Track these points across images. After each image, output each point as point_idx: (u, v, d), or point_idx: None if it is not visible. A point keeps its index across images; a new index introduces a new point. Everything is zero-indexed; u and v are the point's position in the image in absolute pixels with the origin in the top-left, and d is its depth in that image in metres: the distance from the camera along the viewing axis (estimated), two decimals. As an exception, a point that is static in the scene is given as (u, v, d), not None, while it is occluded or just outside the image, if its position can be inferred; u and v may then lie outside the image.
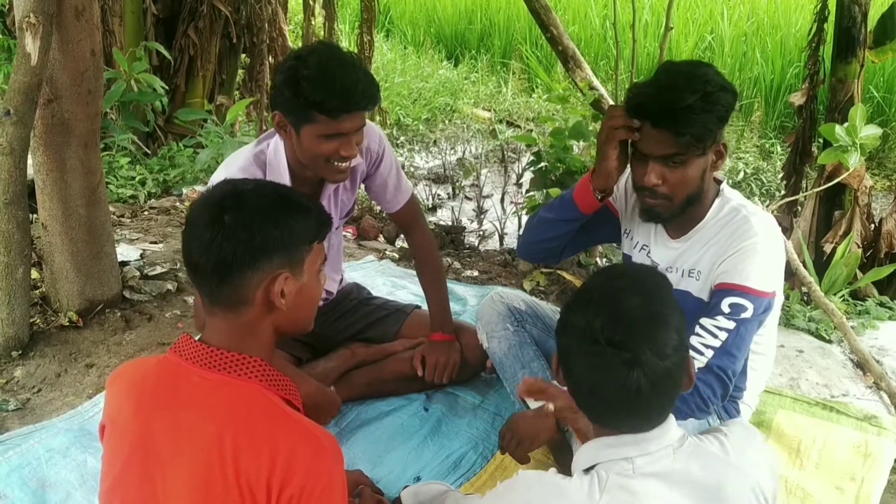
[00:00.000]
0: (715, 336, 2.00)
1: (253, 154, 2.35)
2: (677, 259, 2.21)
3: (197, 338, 1.46)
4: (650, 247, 2.30)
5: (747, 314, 2.00)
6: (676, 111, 1.95)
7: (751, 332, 2.04)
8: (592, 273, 1.58)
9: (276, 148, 2.33)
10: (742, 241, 2.05)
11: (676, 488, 1.41)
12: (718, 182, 2.18)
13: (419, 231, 2.77)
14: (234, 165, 2.34)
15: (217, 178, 2.31)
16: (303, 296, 1.48)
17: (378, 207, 5.19)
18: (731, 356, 2.00)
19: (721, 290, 2.05)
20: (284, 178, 2.32)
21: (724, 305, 2.01)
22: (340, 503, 1.36)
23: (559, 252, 2.47)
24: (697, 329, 2.03)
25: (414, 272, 3.78)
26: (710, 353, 2.00)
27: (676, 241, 2.22)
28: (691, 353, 1.97)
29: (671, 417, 1.45)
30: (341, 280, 2.87)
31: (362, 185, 2.66)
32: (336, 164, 2.21)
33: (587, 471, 1.44)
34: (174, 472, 1.35)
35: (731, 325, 2.00)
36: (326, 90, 2.07)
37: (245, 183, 1.50)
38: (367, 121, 2.29)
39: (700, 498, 1.41)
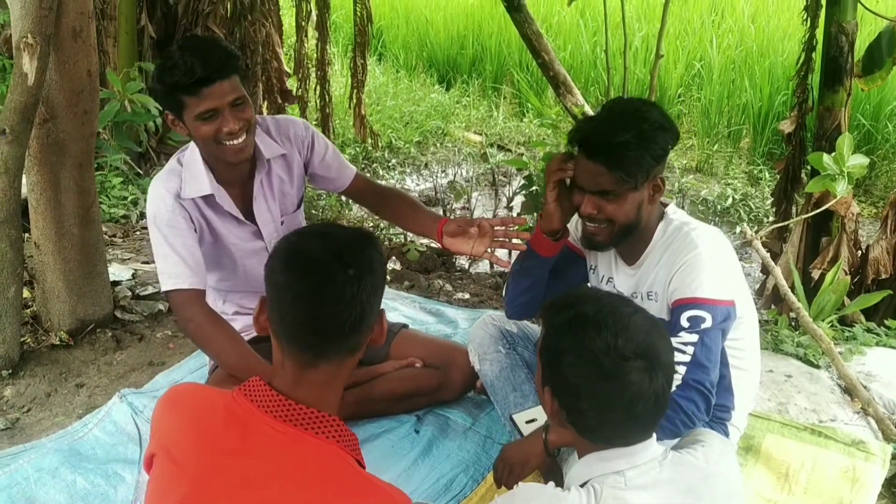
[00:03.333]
0: (683, 352, 2.03)
1: (176, 160, 2.44)
2: (637, 284, 2.27)
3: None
4: (613, 277, 2.35)
5: (707, 324, 2.04)
6: (610, 146, 2.04)
7: (715, 341, 2.07)
8: (557, 304, 1.59)
9: (192, 149, 2.42)
10: (685, 255, 2.10)
11: (665, 498, 1.47)
12: (665, 205, 2.23)
13: (381, 185, 2.86)
14: (162, 171, 2.44)
15: (151, 189, 2.41)
16: None
17: (366, 222, 5.21)
18: (703, 367, 2.03)
19: (677, 307, 2.09)
20: (201, 174, 2.39)
21: (683, 320, 2.05)
22: None
23: (540, 303, 2.51)
24: None
25: (404, 293, 3.81)
26: (683, 370, 2.03)
27: (632, 267, 2.28)
28: None
29: (653, 434, 1.52)
30: None
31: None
32: (226, 143, 2.28)
33: (582, 485, 1.49)
34: None
35: (693, 338, 2.03)
36: (178, 70, 2.16)
37: (335, 230, 1.46)
38: (285, 116, 2.36)
39: None
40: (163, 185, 2.38)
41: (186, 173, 2.39)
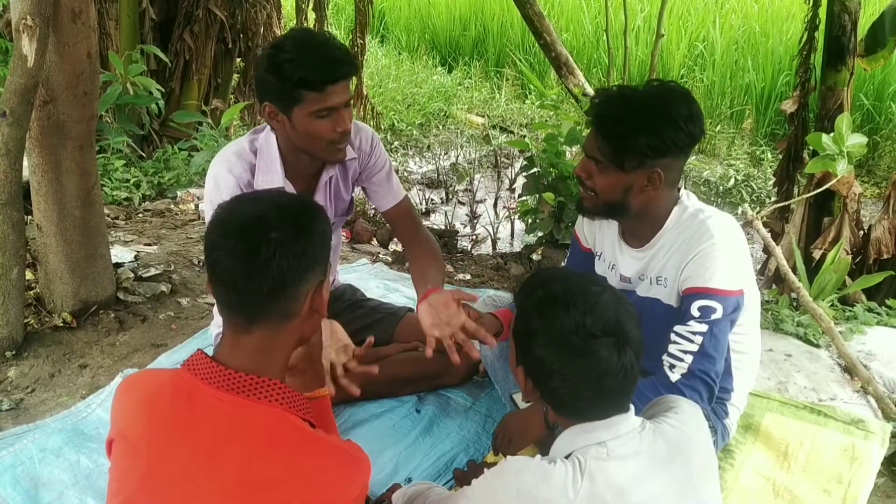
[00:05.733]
0: (691, 341, 2.04)
1: (248, 141, 2.41)
2: (645, 268, 2.25)
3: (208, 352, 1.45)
4: (616, 264, 2.34)
5: (717, 315, 2.04)
6: (607, 116, 2.06)
7: (724, 331, 2.07)
8: (528, 286, 1.60)
9: (267, 137, 2.39)
10: (700, 245, 2.09)
11: (647, 465, 1.50)
12: (678, 190, 2.22)
13: (417, 226, 2.74)
14: (228, 151, 2.40)
15: (214, 169, 2.38)
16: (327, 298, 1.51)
17: (371, 211, 5.22)
18: (710, 358, 2.04)
19: (688, 296, 2.09)
20: (275, 166, 2.37)
21: (694, 309, 2.05)
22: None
23: None
24: (673, 337, 2.07)
25: (407, 275, 3.81)
26: (689, 359, 2.04)
27: (640, 250, 2.26)
28: (672, 361, 2.05)
29: (631, 406, 1.55)
30: (333, 280, 2.91)
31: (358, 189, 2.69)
32: (336, 143, 2.29)
33: (567, 457, 1.51)
34: (195, 496, 1.32)
35: (703, 328, 2.04)
36: (308, 66, 2.15)
37: (272, 196, 1.50)
38: (358, 122, 2.35)
39: (669, 471, 1.51)
40: (228, 169, 2.36)
41: (261, 162, 2.37)
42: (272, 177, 2.36)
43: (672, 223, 2.18)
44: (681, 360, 2.04)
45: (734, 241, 2.13)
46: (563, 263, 4.08)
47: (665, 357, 2.07)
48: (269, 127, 2.39)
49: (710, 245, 2.07)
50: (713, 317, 2.04)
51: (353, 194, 2.69)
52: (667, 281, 2.19)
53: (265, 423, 1.36)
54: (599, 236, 2.42)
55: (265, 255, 1.35)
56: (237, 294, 1.39)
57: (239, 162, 2.36)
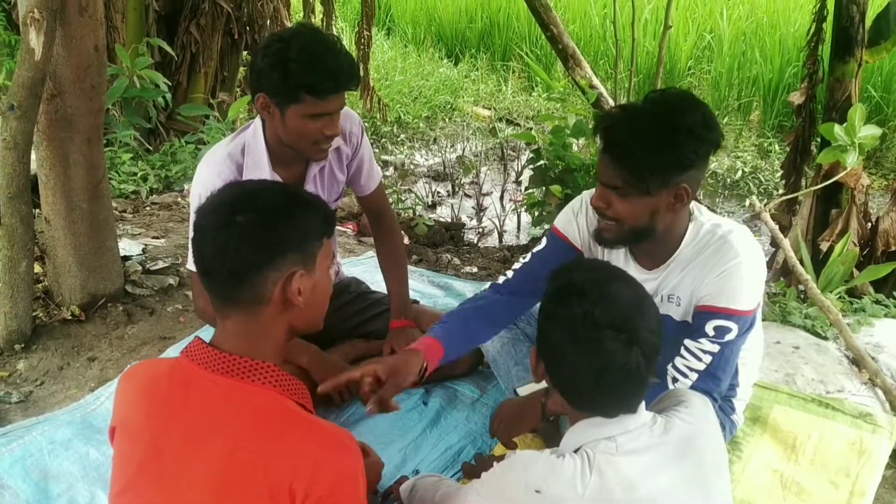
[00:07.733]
0: (699, 359, 1.99)
1: (234, 141, 2.42)
2: (657, 287, 2.14)
3: (208, 340, 1.46)
4: None
5: (731, 335, 1.98)
6: (620, 144, 1.90)
7: (736, 351, 2.04)
8: (560, 271, 1.60)
9: (255, 131, 2.40)
10: (725, 263, 1.99)
11: (657, 460, 1.50)
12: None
13: (389, 215, 2.85)
14: (217, 153, 2.41)
15: (204, 173, 2.38)
16: (317, 292, 1.51)
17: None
18: (716, 379, 2.01)
19: (705, 313, 2.01)
20: (262, 162, 2.37)
21: (709, 328, 1.99)
22: (361, 494, 1.39)
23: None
24: (682, 350, 2.02)
25: (412, 267, 3.82)
26: (694, 377, 2.00)
27: (652, 272, 2.16)
28: (676, 374, 2.01)
29: (642, 405, 1.54)
30: (338, 272, 2.91)
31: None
32: (320, 144, 2.30)
33: (576, 451, 1.51)
34: (189, 479, 1.34)
35: (714, 348, 1.99)
36: (315, 72, 2.15)
37: (253, 183, 1.53)
38: (347, 107, 2.37)
39: (680, 465, 1.51)
40: (216, 172, 2.35)
41: (248, 159, 2.38)
42: (259, 173, 2.37)
43: (688, 241, 2.08)
44: (685, 375, 2.00)
45: (756, 258, 2.04)
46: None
47: (670, 367, 2.03)
48: (255, 122, 2.40)
49: (735, 264, 1.98)
50: (727, 337, 1.98)
51: (345, 181, 2.69)
52: (680, 300, 2.11)
53: (257, 405, 1.38)
54: (603, 255, 2.27)
55: (225, 237, 1.38)
56: (206, 276, 1.44)
57: (228, 164, 2.37)
